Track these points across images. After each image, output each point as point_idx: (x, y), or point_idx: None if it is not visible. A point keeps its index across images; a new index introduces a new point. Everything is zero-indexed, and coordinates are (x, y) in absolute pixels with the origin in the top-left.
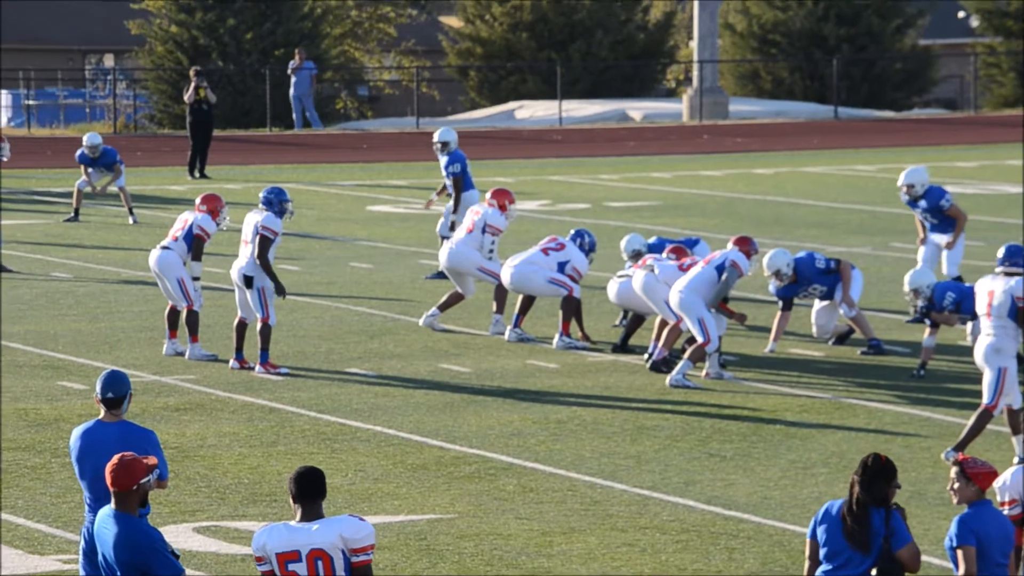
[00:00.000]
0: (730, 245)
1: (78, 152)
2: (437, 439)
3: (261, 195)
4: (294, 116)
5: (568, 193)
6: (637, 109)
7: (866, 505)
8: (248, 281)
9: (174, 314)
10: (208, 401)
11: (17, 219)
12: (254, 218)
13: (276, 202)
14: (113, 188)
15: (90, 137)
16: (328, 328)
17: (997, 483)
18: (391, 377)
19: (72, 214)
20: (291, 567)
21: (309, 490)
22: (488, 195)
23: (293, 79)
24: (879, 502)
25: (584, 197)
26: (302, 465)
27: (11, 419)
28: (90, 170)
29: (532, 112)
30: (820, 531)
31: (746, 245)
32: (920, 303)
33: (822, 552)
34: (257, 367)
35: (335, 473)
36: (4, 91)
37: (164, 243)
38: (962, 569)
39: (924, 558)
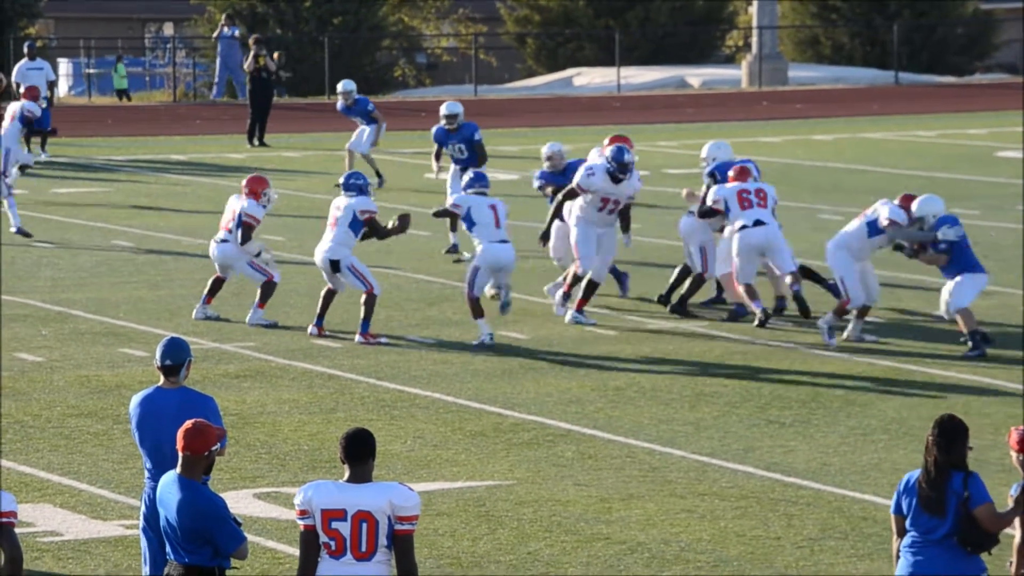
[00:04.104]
0: (896, 200)
1: (339, 105)
2: (496, 406)
3: (344, 181)
4: (215, 84)
5: None
6: (696, 76)
7: (945, 469)
8: (334, 265)
9: (219, 282)
10: (268, 368)
11: (78, 187)
12: (343, 203)
13: (365, 185)
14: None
15: (344, 84)
16: (387, 295)
17: None
18: (450, 344)
19: (377, 180)
20: (335, 525)
21: (359, 451)
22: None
23: (219, 47)
24: (958, 465)
25: (642, 164)
26: (353, 426)
27: (74, 386)
28: (360, 121)
29: (590, 79)
30: (905, 502)
31: (907, 202)
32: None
33: (907, 520)
34: (358, 336)
35: (394, 440)
36: (65, 60)
37: (219, 236)
38: (1018, 534)
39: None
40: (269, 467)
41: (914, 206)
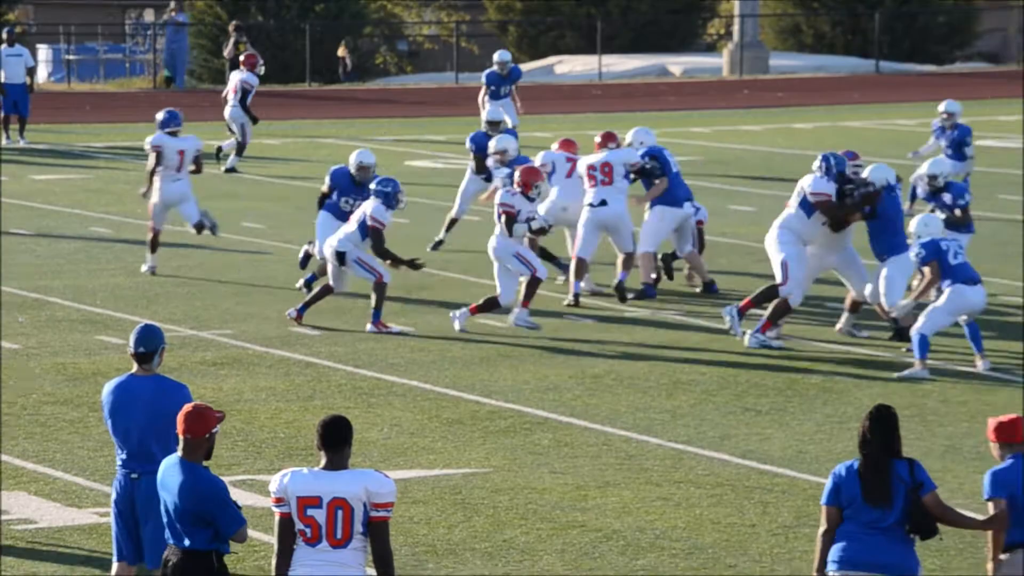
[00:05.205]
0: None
1: (486, 72)
2: (473, 393)
3: (374, 186)
4: (171, 75)
5: None
6: (677, 64)
7: (887, 458)
8: (341, 257)
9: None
10: (245, 356)
11: (56, 174)
12: (368, 205)
13: (391, 194)
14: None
15: (500, 54)
16: (365, 283)
17: None
18: (427, 332)
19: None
20: (310, 512)
21: (335, 438)
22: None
23: (168, 34)
24: (898, 452)
25: None
26: (329, 413)
27: (50, 373)
28: (492, 88)
29: (571, 67)
30: (844, 494)
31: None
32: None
33: (848, 511)
34: (369, 325)
35: (371, 427)
36: (44, 46)
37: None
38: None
39: (961, 512)
40: (245, 455)
41: (866, 171)
